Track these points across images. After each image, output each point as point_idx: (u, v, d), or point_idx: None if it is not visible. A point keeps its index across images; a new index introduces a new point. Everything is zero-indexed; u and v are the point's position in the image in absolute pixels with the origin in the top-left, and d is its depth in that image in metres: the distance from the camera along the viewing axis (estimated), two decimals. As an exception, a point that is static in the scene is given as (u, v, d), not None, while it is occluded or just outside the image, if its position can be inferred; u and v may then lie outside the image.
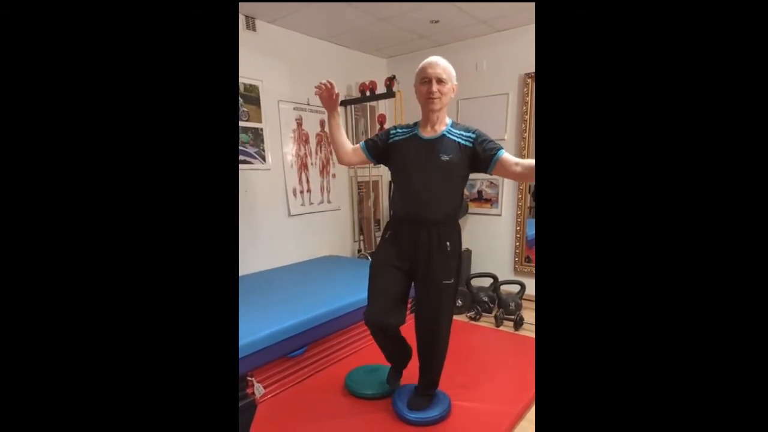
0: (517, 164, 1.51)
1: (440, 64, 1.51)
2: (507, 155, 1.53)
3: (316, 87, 1.60)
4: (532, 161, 1.47)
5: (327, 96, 1.60)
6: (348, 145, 1.71)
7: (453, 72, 1.54)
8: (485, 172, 1.57)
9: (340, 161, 1.74)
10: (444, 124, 1.59)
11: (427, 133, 1.59)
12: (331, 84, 1.58)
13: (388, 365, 2.09)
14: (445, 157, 1.53)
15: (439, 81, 1.50)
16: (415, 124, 1.64)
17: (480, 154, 1.54)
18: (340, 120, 1.70)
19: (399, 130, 1.65)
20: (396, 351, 1.82)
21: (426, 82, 1.51)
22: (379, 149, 1.67)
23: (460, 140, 1.55)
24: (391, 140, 1.64)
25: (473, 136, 1.56)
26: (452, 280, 1.65)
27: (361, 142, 1.72)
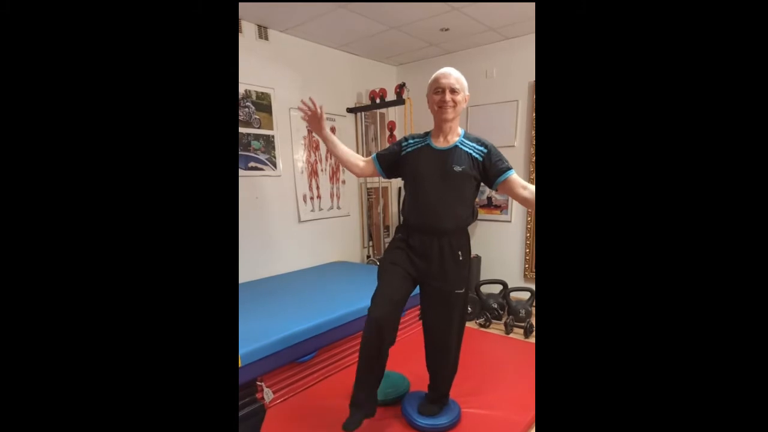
0: (524, 188, 1.53)
1: (453, 74, 1.53)
2: (516, 176, 1.55)
3: (299, 108, 1.65)
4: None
5: (312, 116, 1.65)
6: (355, 158, 1.74)
7: (465, 83, 1.56)
8: (490, 187, 1.59)
9: (355, 174, 1.77)
10: (457, 134, 1.59)
11: (439, 144, 1.59)
12: (312, 102, 1.64)
13: (398, 371, 2.09)
14: (458, 168, 1.53)
15: (452, 91, 1.51)
16: (427, 134, 1.64)
17: (489, 170, 1.55)
18: (334, 135, 1.74)
19: (411, 141, 1.65)
20: (377, 366, 1.61)
21: (439, 92, 1.52)
22: (390, 162, 1.68)
23: (472, 152, 1.56)
24: (404, 152, 1.65)
25: (485, 151, 1.56)
26: (464, 290, 1.65)
27: (373, 155, 1.73)
